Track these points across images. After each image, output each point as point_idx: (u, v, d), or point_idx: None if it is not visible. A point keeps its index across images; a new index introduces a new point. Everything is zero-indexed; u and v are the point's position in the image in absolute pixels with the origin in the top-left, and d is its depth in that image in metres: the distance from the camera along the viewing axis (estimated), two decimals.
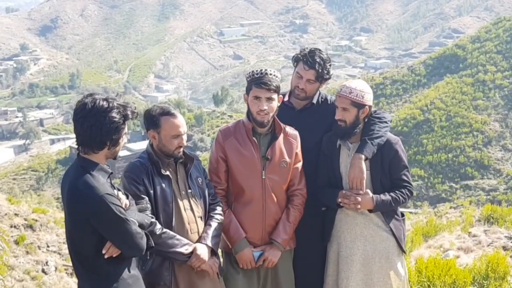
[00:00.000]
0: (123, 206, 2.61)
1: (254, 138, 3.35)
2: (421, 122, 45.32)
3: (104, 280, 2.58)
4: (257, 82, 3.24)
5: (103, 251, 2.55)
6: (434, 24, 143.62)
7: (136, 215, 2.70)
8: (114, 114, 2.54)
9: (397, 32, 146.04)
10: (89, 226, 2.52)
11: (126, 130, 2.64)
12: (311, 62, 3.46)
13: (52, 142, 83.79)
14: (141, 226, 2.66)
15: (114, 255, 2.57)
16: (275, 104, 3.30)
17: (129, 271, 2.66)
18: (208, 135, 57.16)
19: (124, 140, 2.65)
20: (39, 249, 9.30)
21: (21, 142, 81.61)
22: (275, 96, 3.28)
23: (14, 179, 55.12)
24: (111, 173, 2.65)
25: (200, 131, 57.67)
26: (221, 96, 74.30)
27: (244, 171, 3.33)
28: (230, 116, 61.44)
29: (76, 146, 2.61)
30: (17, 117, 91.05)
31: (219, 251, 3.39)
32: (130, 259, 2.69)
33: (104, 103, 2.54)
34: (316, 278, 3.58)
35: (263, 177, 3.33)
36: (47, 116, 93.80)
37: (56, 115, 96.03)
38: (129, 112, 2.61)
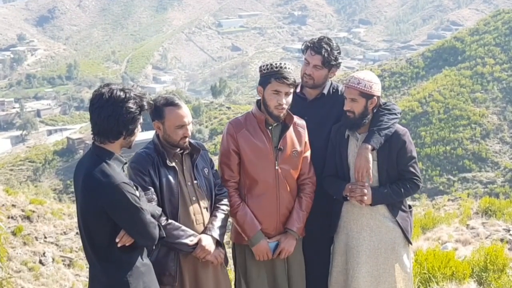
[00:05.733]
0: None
1: (267, 130, 3.35)
2: (419, 115, 45.34)
3: (117, 268, 2.61)
4: (279, 76, 3.23)
5: (116, 240, 2.57)
6: (433, 17, 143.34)
7: (147, 205, 2.73)
8: (130, 105, 2.57)
9: (395, 24, 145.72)
10: (104, 215, 2.54)
11: (141, 120, 2.68)
12: (318, 47, 3.51)
13: (49, 133, 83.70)
14: (152, 216, 2.69)
15: (127, 244, 2.60)
16: (291, 98, 3.32)
17: (142, 259, 2.69)
18: (206, 127, 57.14)
19: (139, 129, 2.69)
20: (37, 240, 9.29)
21: (18, 133, 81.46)
22: (292, 90, 3.31)
23: (11, 170, 55.11)
24: (125, 163, 2.69)
25: (198, 122, 57.54)
26: (219, 88, 74.16)
27: (258, 162, 3.33)
28: (228, 108, 61.41)
29: (92, 135, 2.64)
30: (14, 108, 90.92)
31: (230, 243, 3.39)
32: (143, 248, 2.72)
33: (121, 93, 2.57)
34: (324, 268, 3.59)
35: (276, 168, 3.34)
36: (44, 107, 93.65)
37: (53, 106, 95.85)
38: (145, 103, 2.65)
